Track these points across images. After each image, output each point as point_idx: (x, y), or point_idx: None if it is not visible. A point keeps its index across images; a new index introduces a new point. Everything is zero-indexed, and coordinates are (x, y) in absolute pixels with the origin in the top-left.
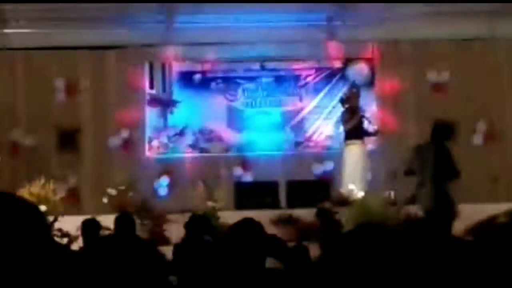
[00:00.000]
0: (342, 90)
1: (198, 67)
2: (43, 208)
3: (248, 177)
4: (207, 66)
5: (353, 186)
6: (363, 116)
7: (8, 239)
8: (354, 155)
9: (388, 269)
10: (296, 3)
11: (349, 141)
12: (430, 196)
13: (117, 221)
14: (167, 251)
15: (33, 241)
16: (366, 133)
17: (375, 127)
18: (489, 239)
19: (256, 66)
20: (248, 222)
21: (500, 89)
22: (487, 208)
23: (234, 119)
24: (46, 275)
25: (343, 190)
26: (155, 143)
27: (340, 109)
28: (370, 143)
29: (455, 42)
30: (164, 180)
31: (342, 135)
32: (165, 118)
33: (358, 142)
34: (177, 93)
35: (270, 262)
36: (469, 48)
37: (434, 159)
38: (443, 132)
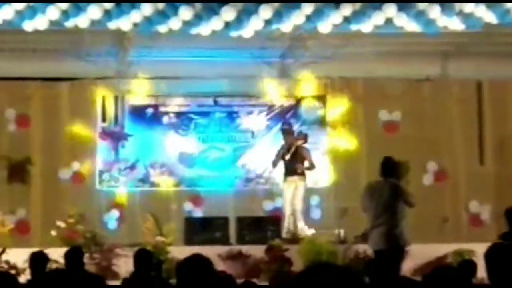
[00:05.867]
0: (294, 127)
1: (151, 101)
2: None
3: (198, 212)
4: (160, 100)
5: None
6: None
7: None
8: (291, 191)
9: None
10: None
11: (287, 177)
12: (382, 235)
13: (67, 255)
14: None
15: None
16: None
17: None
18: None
19: (209, 101)
20: (197, 258)
21: (451, 129)
22: (436, 248)
23: (185, 154)
24: None
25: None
26: (105, 176)
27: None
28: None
29: (407, 82)
30: (114, 214)
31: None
32: (116, 152)
33: (295, 178)
34: (129, 127)
35: None
36: (421, 88)
37: (388, 194)
38: (391, 167)
